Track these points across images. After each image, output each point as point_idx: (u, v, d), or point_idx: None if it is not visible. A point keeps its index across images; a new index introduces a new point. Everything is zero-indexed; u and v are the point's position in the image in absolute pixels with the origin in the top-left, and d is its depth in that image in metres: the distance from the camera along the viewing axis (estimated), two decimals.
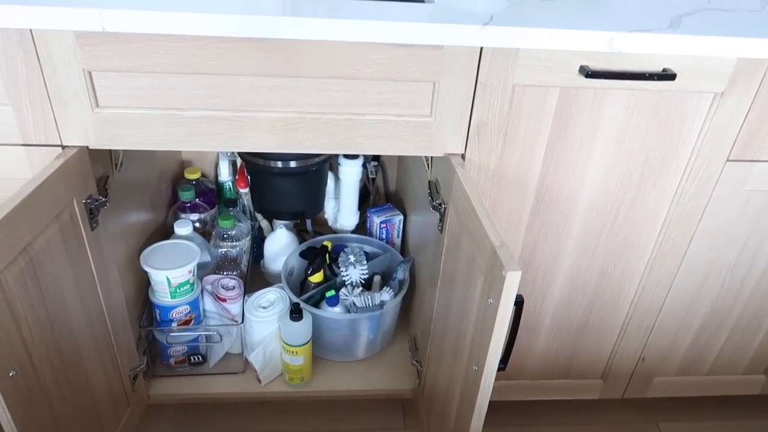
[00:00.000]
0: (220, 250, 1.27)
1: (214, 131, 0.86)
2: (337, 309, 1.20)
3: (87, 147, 0.86)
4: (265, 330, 1.19)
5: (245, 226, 1.41)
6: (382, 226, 1.40)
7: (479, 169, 0.93)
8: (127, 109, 0.83)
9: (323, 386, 1.25)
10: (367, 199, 1.56)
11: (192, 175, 1.43)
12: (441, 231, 0.96)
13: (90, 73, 0.80)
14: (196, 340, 1.22)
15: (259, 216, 1.54)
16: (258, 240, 1.54)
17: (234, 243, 1.28)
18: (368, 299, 1.16)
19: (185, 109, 0.84)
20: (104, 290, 0.96)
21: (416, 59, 0.82)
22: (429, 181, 1.05)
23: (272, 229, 1.52)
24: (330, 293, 1.18)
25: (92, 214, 0.89)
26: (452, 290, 0.91)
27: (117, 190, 1.05)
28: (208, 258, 1.29)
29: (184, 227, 1.25)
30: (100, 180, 0.95)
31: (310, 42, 0.79)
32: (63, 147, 0.85)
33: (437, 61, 0.82)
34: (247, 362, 1.26)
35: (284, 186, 1.26)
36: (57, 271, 0.81)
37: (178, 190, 1.34)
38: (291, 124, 0.86)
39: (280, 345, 1.21)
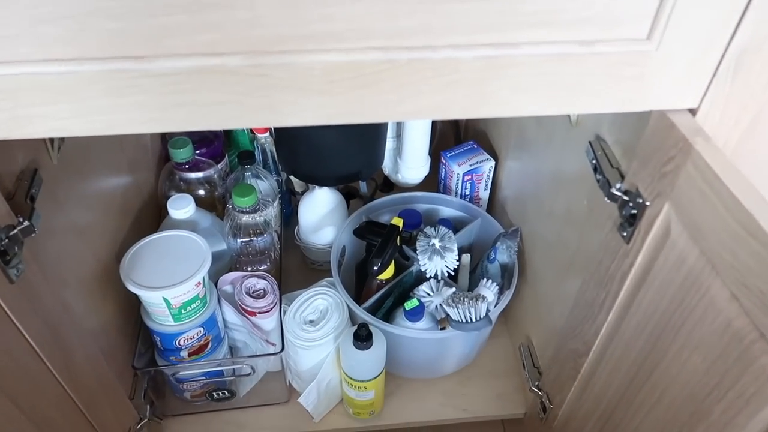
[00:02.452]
0: (239, 240, 0.87)
1: (212, 98, 0.43)
2: (422, 323, 0.82)
3: None
4: (316, 356, 0.83)
5: (269, 184, 1.01)
6: (466, 178, 0.99)
7: (717, 134, 0.50)
8: (25, 66, 0.40)
9: (400, 417, 0.91)
10: (432, 132, 1.13)
11: None
12: (627, 240, 0.55)
13: None
14: (220, 371, 0.86)
15: None
16: (287, 195, 1.14)
17: (257, 217, 0.88)
18: (469, 311, 0.78)
19: (150, 58, 0.40)
20: (55, 352, 0.59)
21: None
22: (590, 143, 0.62)
23: (307, 187, 1.11)
24: (412, 304, 0.80)
25: (6, 257, 0.49)
26: (661, 343, 0.53)
27: (64, 169, 0.64)
28: (222, 245, 0.90)
29: (181, 208, 0.85)
30: (19, 181, 0.54)
31: None
32: None
33: None
34: (291, 386, 0.92)
35: (328, 141, 0.84)
36: None
37: (169, 147, 0.92)
38: (367, 73, 0.43)
39: (339, 373, 0.85)
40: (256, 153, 1.03)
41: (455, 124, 1.16)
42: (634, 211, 0.54)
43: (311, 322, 0.83)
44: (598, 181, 0.59)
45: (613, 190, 0.56)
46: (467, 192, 1.01)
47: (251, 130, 1.07)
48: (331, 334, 0.81)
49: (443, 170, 1.03)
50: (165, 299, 0.75)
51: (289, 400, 0.91)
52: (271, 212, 0.95)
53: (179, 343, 0.80)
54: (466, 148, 1.02)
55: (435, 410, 0.91)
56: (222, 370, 0.85)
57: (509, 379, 0.95)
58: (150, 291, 0.73)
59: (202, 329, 0.81)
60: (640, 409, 0.57)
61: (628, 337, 0.58)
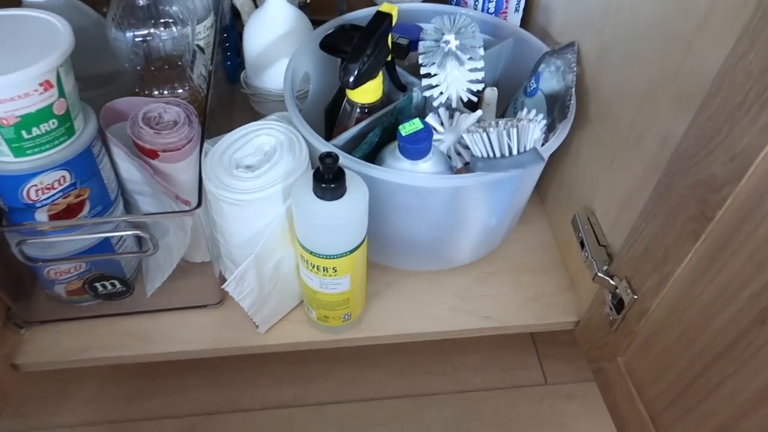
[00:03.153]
0: (131, 33, 0.54)
1: None
2: (427, 164, 0.51)
3: None
4: (255, 220, 0.51)
5: (201, 2, 0.68)
6: None
7: None
8: None
9: (389, 326, 0.61)
10: None
11: None
12: None
13: None
14: (105, 247, 0.55)
15: None
16: (232, 35, 0.81)
17: (166, 18, 0.55)
18: (508, 136, 0.46)
19: None
20: None
21: None
22: None
23: (256, 6, 0.78)
24: (412, 126, 0.48)
25: None
26: None
27: None
28: (114, 63, 0.58)
29: None
30: None
31: None
32: None
33: None
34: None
35: None
36: None
37: None
38: None
39: (294, 252, 0.54)
40: None
41: None
42: None
43: (248, 166, 0.51)
44: None
45: None
46: (490, 7, 0.69)
47: None
48: (279, 184, 0.50)
49: None
50: None
51: (223, 302, 0.61)
52: (194, 32, 0.62)
53: (29, 196, 0.49)
54: None
55: (443, 317, 0.61)
56: (106, 239, 0.53)
57: (550, 276, 0.65)
58: None
59: (67, 175, 0.49)
60: None
61: None
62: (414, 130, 0.47)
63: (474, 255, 0.63)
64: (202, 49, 0.67)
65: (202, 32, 0.68)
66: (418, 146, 0.48)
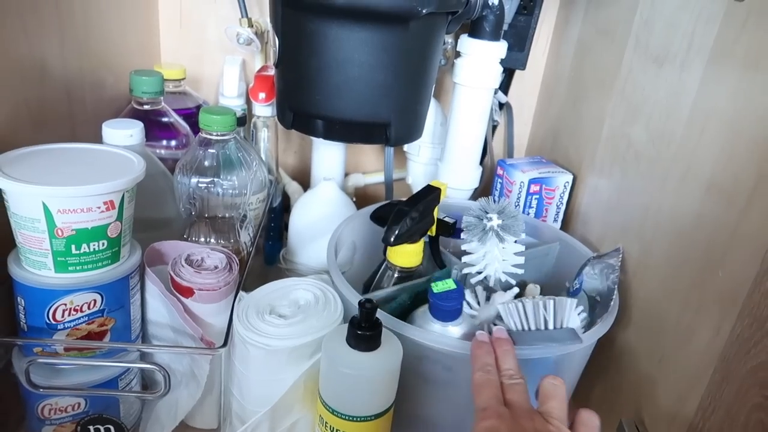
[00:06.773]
0: (195, 181, 0.59)
1: None
2: (457, 328, 0.51)
3: None
4: (279, 372, 0.50)
5: (258, 175, 0.76)
6: (533, 189, 0.73)
7: None
8: None
9: None
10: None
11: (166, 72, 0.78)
12: None
13: None
14: (112, 384, 0.53)
15: (283, 174, 0.90)
16: (277, 221, 0.88)
17: (229, 177, 0.61)
18: (545, 310, 0.47)
19: None
20: None
21: None
22: None
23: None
24: (443, 285, 0.49)
25: None
26: None
27: None
28: (171, 211, 0.63)
29: (122, 128, 0.60)
30: None
31: None
32: None
33: None
34: None
35: (347, 52, 0.59)
36: None
37: (131, 75, 0.69)
38: None
39: (311, 419, 0.52)
40: (253, 131, 0.81)
41: (509, 141, 0.92)
42: None
43: (281, 316, 0.52)
44: None
45: None
46: (532, 211, 0.75)
47: (248, 109, 0.85)
48: (310, 336, 0.50)
49: (499, 184, 0.78)
50: (46, 208, 0.46)
51: None
52: (250, 193, 0.68)
53: (54, 316, 0.49)
54: (531, 160, 0.78)
55: None
56: (113, 378, 0.52)
57: None
58: (23, 185, 0.46)
59: (98, 299, 0.51)
60: None
61: None
62: (446, 289, 0.49)
63: None
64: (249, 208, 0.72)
65: (254, 203, 0.75)
66: (449, 304, 0.49)
